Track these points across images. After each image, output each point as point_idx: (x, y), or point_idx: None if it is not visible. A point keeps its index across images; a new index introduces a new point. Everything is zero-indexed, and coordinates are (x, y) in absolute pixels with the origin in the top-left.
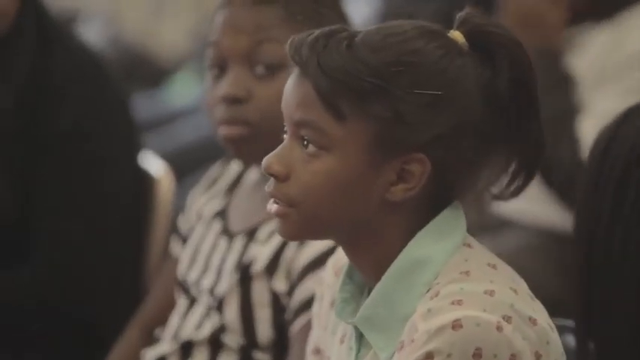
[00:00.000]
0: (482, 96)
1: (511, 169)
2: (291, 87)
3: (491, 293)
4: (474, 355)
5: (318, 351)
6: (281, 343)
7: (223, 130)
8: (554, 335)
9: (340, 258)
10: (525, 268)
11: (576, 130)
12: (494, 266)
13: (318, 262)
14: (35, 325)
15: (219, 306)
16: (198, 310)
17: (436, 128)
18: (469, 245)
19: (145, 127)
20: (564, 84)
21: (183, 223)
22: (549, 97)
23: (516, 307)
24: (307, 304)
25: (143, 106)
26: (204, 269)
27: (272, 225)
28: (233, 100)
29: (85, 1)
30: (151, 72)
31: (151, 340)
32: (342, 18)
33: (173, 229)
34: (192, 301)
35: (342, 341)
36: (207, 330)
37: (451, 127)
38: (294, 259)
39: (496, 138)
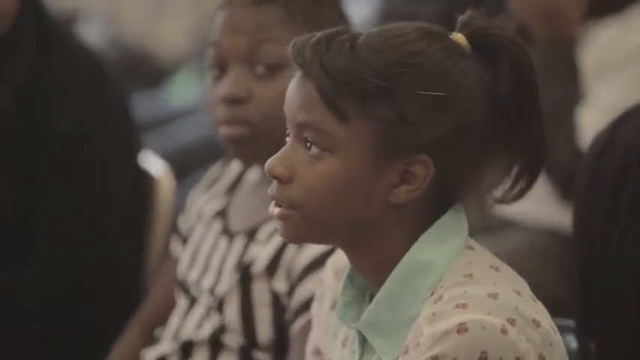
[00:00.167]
0: (484, 97)
1: (514, 171)
2: (293, 89)
3: (494, 296)
4: (479, 359)
5: (318, 352)
6: (281, 343)
7: (224, 130)
8: (557, 337)
9: (340, 259)
10: (526, 268)
11: (577, 122)
12: (497, 269)
13: (318, 262)
14: (35, 325)
15: (220, 306)
16: (199, 310)
17: (439, 129)
18: (471, 248)
19: (145, 127)
20: (575, 75)
21: (183, 223)
22: (559, 87)
23: (520, 310)
24: (307, 304)
25: (143, 106)
26: (205, 269)
27: (272, 225)
28: (233, 101)
29: (85, 1)
30: (151, 72)
31: (151, 340)
32: (342, 18)
33: (173, 229)
34: (193, 301)
35: (344, 345)
36: (207, 330)
37: (454, 129)
38: (295, 259)
39: (498, 139)
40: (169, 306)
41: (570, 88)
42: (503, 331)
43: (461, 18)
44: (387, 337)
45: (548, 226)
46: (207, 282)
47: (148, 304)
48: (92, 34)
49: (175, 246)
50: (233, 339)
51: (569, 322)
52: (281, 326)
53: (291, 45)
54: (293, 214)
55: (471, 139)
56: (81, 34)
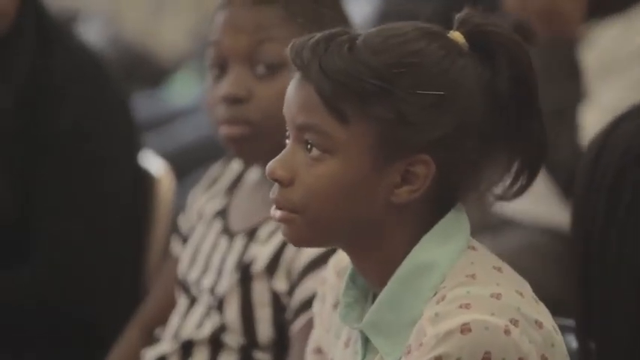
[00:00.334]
0: (483, 96)
1: (514, 169)
2: (293, 91)
3: (497, 296)
4: (482, 359)
5: (319, 350)
6: (281, 342)
7: (224, 130)
8: (559, 338)
9: (342, 259)
10: (526, 267)
11: (579, 121)
12: (499, 269)
13: (319, 261)
14: (35, 325)
15: (220, 305)
16: (199, 309)
17: (439, 129)
18: (473, 248)
19: (145, 126)
20: (577, 75)
21: (183, 223)
22: (559, 87)
23: (523, 311)
24: (307, 303)
25: (143, 105)
26: (205, 269)
27: (272, 225)
28: (234, 100)
29: (85, 1)
30: (151, 71)
31: (151, 339)
32: (342, 18)
33: (173, 228)
34: (193, 301)
35: (346, 345)
36: (207, 329)
37: (454, 128)
38: (295, 258)
39: (498, 137)
40: (169, 306)
41: (571, 87)
42: (507, 332)
43: (458, 16)
44: (389, 337)
45: (549, 226)
46: (207, 281)
47: (148, 304)
48: (92, 33)
49: (175, 245)
50: (233, 338)
51: (570, 322)
52: (281, 326)
53: (289, 47)
54: (295, 217)
55: (471, 138)
56: (81, 34)
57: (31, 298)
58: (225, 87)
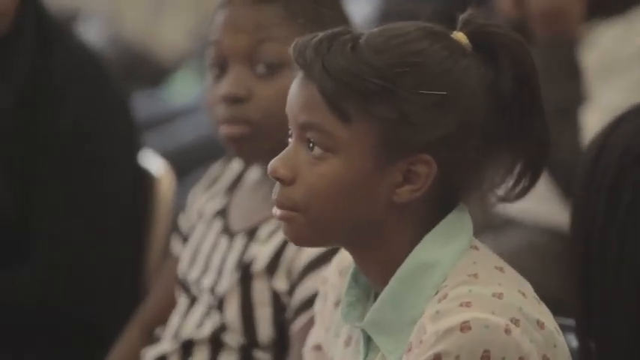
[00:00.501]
0: (486, 96)
1: (516, 170)
2: (295, 90)
3: (499, 296)
4: (482, 358)
5: (318, 348)
6: (281, 342)
7: (224, 129)
8: (561, 338)
9: (344, 258)
10: (527, 267)
11: (581, 122)
12: (501, 269)
13: (319, 261)
14: (35, 325)
15: (220, 305)
16: (199, 309)
17: (441, 129)
18: (476, 247)
19: (146, 126)
20: (576, 75)
21: (183, 222)
22: (559, 87)
23: (524, 311)
24: (308, 303)
25: (143, 105)
26: (205, 268)
27: (272, 224)
28: (234, 100)
29: (85, 0)
30: (151, 71)
31: (151, 339)
32: (342, 17)
33: (174, 228)
34: (193, 300)
35: (347, 344)
36: (207, 329)
37: (456, 128)
38: (295, 258)
39: (500, 137)
40: (169, 305)
41: (571, 88)
42: (507, 331)
43: (462, 17)
44: (391, 336)
45: (550, 225)
46: (207, 281)
47: (148, 304)
48: (92, 33)
49: (176, 245)
50: (233, 338)
51: (570, 322)
52: (281, 325)
53: (292, 46)
54: (295, 216)
55: (473, 138)
56: (81, 34)
57: (31, 298)
58: (226, 86)
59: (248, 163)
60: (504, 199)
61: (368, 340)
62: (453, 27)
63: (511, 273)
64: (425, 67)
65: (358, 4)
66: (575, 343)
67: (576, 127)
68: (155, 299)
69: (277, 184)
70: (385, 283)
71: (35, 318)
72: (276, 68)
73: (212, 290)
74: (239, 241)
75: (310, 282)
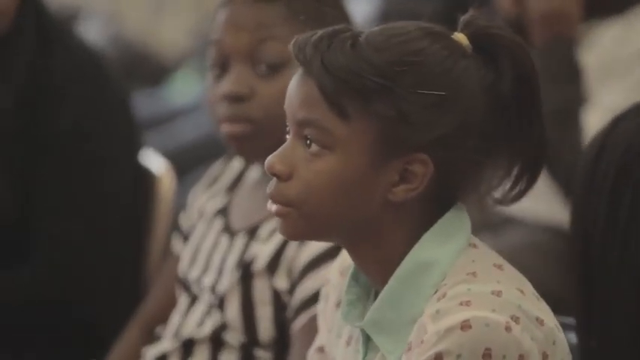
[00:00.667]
0: (485, 97)
1: (514, 172)
2: (294, 86)
3: (498, 294)
4: (483, 356)
5: (322, 349)
6: (282, 341)
7: (226, 128)
8: (561, 335)
9: (346, 258)
10: (527, 265)
11: (582, 122)
12: (500, 267)
13: (320, 260)
14: (35, 325)
15: (221, 304)
16: (200, 307)
17: (439, 129)
18: (474, 246)
19: (146, 125)
20: (577, 76)
21: (184, 221)
22: (558, 88)
23: (524, 308)
24: (308, 302)
25: (144, 104)
26: (206, 267)
27: (273, 223)
28: (235, 98)
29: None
30: (151, 70)
31: (151, 338)
32: (343, 16)
33: (174, 226)
34: (194, 299)
35: (348, 344)
36: (208, 328)
37: (454, 128)
38: (296, 257)
39: (498, 138)
40: (170, 304)
41: (571, 88)
42: (507, 329)
43: (463, 18)
44: (390, 335)
45: (550, 223)
46: (208, 280)
47: (148, 303)
48: (93, 32)
49: (176, 244)
50: (234, 337)
51: (570, 320)
52: (282, 324)
53: (292, 42)
54: (290, 211)
55: (471, 139)
56: (81, 33)
57: (31, 298)
58: (227, 85)
59: (249, 162)
60: (501, 201)
61: (367, 339)
62: (454, 28)
63: (510, 271)
64: (424, 66)
65: (359, 4)
66: (575, 341)
67: (578, 128)
68: (155, 298)
69: (273, 179)
70: (384, 282)
71: (35, 318)
72: (277, 67)
73: (213, 289)
74: (240, 240)
75: (311, 281)
